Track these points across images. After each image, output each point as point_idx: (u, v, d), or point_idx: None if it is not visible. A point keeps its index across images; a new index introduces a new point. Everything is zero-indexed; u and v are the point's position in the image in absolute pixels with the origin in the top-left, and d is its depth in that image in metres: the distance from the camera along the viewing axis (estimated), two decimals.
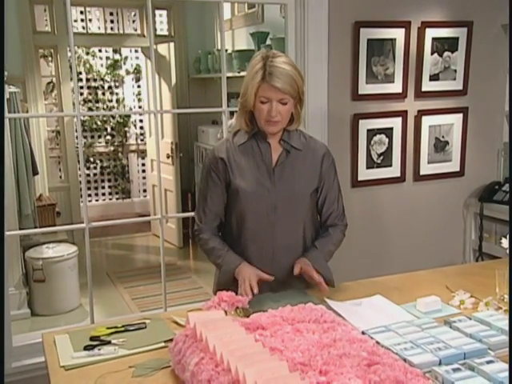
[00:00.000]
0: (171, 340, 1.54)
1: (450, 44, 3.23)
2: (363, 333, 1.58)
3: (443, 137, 3.34)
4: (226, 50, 5.16)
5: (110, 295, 4.58)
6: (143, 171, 7.40)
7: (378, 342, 1.51)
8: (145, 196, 7.39)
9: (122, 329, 1.67)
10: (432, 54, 3.21)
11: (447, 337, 1.53)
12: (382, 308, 1.87)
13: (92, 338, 1.62)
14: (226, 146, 2.02)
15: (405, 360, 1.41)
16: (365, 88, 3.08)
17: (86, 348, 1.55)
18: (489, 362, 1.40)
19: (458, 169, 3.40)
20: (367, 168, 3.17)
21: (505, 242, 1.91)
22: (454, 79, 3.29)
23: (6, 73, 3.67)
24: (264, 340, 1.40)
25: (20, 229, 3.94)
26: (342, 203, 2.13)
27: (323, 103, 3.01)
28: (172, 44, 5.52)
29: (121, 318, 1.89)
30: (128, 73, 7.19)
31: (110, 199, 7.34)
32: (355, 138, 3.11)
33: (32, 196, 4.34)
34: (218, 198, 2.02)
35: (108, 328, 1.67)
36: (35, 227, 4.34)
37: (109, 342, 1.59)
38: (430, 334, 1.55)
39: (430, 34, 3.17)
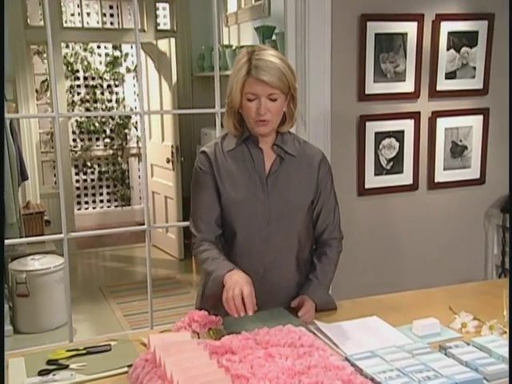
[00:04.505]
0: None
1: (468, 39, 3.19)
2: (347, 359, 1.55)
3: (461, 141, 3.29)
4: (231, 46, 5.17)
5: (100, 311, 4.58)
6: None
7: (361, 369, 1.48)
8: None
9: (84, 351, 1.66)
10: (448, 49, 3.16)
11: (439, 364, 1.49)
12: (376, 330, 1.83)
13: (49, 362, 1.60)
14: (214, 150, 1.98)
15: None
16: (372, 87, 3.05)
17: (41, 373, 1.54)
18: None
19: (477, 176, 3.35)
20: (375, 175, 3.13)
21: None
22: (473, 77, 3.24)
23: None
24: (231, 366, 1.38)
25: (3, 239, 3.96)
26: (338, 214, 2.10)
27: (326, 104, 2.98)
28: (173, 40, 5.53)
29: (86, 340, 1.87)
30: (129, 71, 7.23)
31: (109, 207, 7.36)
32: (362, 141, 3.07)
33: (17, 203, 4.36)
34: (212, 202, 1.96)
35: (68, 350, 1.65)
36: (21, 237, 4.36)
37: (66, 367, 1.57)
38: (421, 361, 1.51)
39: (446, 27, 3.13)
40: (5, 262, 3.85)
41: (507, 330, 1.74)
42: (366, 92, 3.04)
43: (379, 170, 3.13)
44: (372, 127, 3.08)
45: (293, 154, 1.97)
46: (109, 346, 1.70)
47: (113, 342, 1.73)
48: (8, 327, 4.07)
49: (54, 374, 1.52)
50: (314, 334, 1.77)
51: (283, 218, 1.95)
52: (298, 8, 2.92)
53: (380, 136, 3.11)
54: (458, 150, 3.29)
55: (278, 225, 1.95)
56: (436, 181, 3.26)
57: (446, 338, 1.75)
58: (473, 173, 3.34)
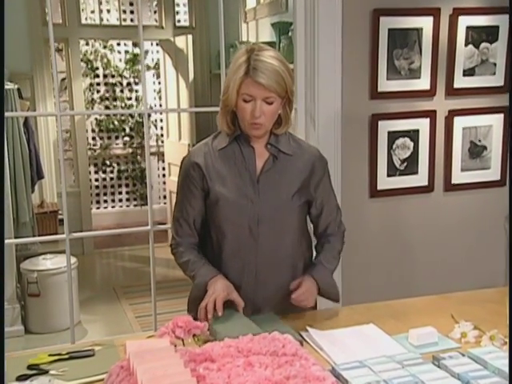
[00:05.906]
0: None
1: (488, 34, 3.10)
2: (334, 368, 1.52)
3: (480, 141, 3.21)
4: (249, 43, 5.15)
5: (113, 312, 4.61)
6: (164, 175, 7.44)
7: (346, 380, 1.44)
8: (165, 203, 7.43)
9: (67, 356, 1.65)
10: (466, 45, 3.08)
11: (429, 376, 1.45)
12: (370, 339, 1.80)
13: (30, 367, 1.60)
14: (203, 150, 1.99)
15: None
16: (385, 85, 2.99)
17: (19, 378, 1.53)
18: None
19: (498, 177, 3.26)
20: (388, 176, 3.07)
21: None
22: (494, 74, 3.16)
23: (5, 70, 3.75)
24: (208, 374, 1.36)
25: (16, 237, 4.02)
26: (340, 211, 2.12)
27: (336, 102, 2.93)
28: (190, 36, 5.54)
29: (84, 342, 1.87)
30: (148, 68, 7.26)
31: (128, 206, 7.41)
32: (374, 141, 3.02)
33: (30, 202, 4.41)
34: (194, 208, 1.99)
35: (50, 355, 1.65)
36: (34, 236, 4.41)
37: (46, 372, 1.57)
38: (410, 373, 1.47)
39: (464, 22, 3.05)
40: (4, 262, 3.89)
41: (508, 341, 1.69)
42: (379, 90, 2.98)
43: (392, 171, 3.07)
44: (385, 126, 3.02)
45: (288, 153, 1.97)
46: (92, 350, 1.70)
47: (97, 346, 1.73)
48: (19, 327, 4.13)
49: (31, 380, 1.52)
50: (305, 341, 1.75)
51: (274, 218, 1.95)
52: (308, 3, 2.88)
53: (393, 135, 3.04)
54: (476, 151, 3.22)
55: (269, 225, 1.94)
56: (453, 182, 3.18)
57: (443, 348, 1.70)
58: (493, 174, 3.25)
